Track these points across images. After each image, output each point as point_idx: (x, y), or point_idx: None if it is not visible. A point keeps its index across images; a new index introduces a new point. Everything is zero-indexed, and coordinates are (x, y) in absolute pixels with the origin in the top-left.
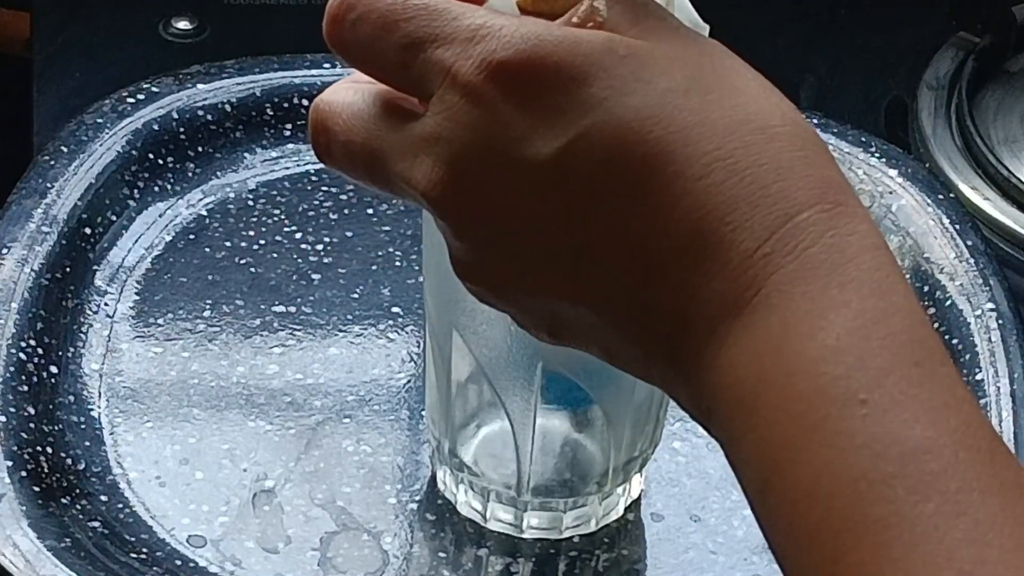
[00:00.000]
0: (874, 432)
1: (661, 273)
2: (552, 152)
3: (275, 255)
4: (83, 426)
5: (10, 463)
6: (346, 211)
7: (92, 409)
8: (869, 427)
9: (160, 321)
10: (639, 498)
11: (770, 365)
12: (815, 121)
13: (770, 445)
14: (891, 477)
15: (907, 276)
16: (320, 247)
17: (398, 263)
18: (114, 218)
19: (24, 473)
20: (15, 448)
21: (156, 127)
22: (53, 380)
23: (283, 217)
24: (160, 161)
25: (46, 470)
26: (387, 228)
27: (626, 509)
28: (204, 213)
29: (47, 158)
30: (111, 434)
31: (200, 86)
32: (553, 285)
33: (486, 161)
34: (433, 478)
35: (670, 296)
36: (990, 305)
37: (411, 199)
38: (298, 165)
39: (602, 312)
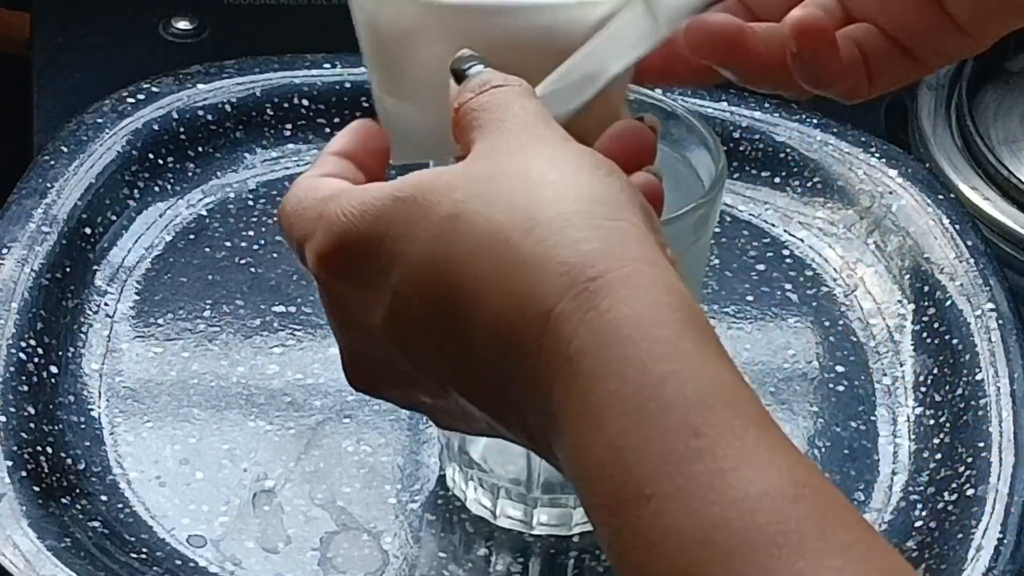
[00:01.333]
0: (663, 524)
1: (496, 375)
2: (384, 314)
3: (275, 255)
4: (83, 426)
5: (10, 463)
6: None
7: (92, 409)
8: (659, 521)
9: (160, 321)
10: None
11: (577, 475)
12: (815, 121)
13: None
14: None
15: (907, 276)
16: None
17: None
18: (114, 218)
19: (24, 473)
20: (15, 448)
21: (156, 127)
22: (53, 380)
23: None
24: (160, 161)
25: (46, 470)
26: None
27: None
28: (204, 213)
29: (47, 158)
30: (111, 434)
31: (200, 86)
32: (422, 383)
33: (345, 332)
34: (435, 477)
35: (512, 388)
36: (990, 305)
37: None
38: (298, 165)
39: (469, 399)
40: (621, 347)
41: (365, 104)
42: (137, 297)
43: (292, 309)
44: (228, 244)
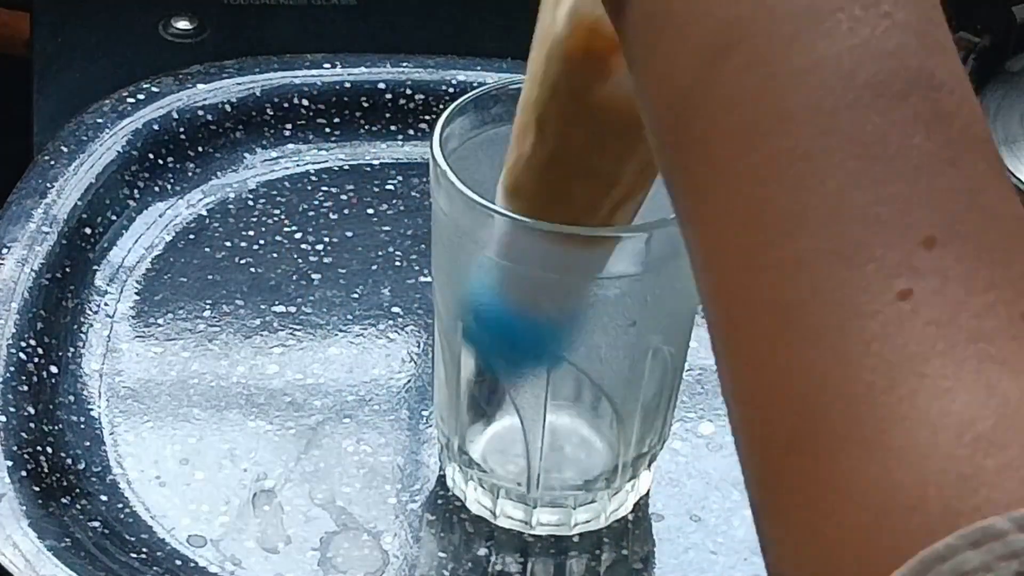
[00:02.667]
0: (885, 44)
1: None
2: None
3: (275, 255)
4: (83, 426)
5: (10, 463)
6: (346, 211)
7: (92, 409)
8: (886, 36)
9: (160, 321)
10: (648, 494)
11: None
12: None
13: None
14: (896, 95)
15: None
16: (320, 247)
17: (398, 263)
18: (114, 218)
19: (24, 473)
20: (15, 448)
21: (156, 127)
22: (53, 380)
23: (283, 217)
24: (160, 161)
25: (46, 470)
26: (387, 228)
27: (635, 505)
28: (204, 213)
29: (47, 158)
30: (111, 434)
31: (200, 86)
32: None
33: None
34: (434, 477)
35: None
36: None
37: None
38: (298, 165)
39: None
40: None
41: (365, 104)
42: (137, 297)
43: (292, 309)
44: (228, 244)
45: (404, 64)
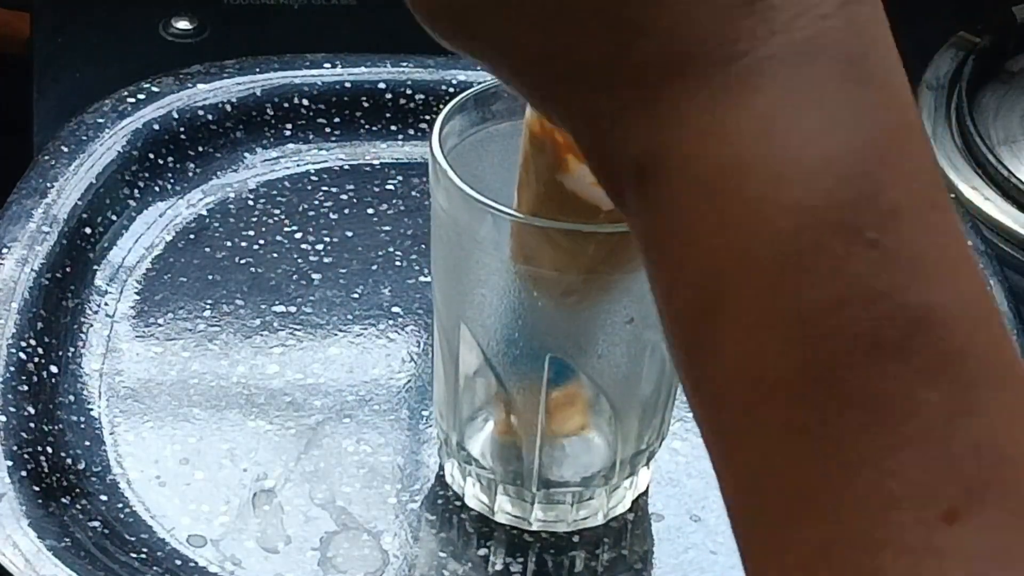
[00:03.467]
0: (875, 282)
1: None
2: None
3: (275, 255)
4: (83, 426)
5: (10, 463)
6: (346, 211)
7: (92, 409)
8: (874, 272)
9: (160, 321)
10: (646, 491)
11: (744, 157)
12: None
13: (719, 254)
14: (895, 346)
15: None
16: (320, 247)
17: (398, 263)
18: (114, 218)
19: (24, 473)
20: (15, 448)
21: (156, 127)
22: (53, 380)
23: (283, 217)
24: (160, 161)
25: (46, 470)
26: (387, 228)
27: (633, 503)
28: (204, 213)
29: (47, 158)
30: (111, 434)
31: (200, 86)
32: None
33: None
34: (434, 477)
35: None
36: None
37: None
38: (298, 165)
39: (566, 8)
40: (877, 59)
41: (365, 104)
42: (137, 297)
43: (292, 309)
44: (228, 244)
45: (404, 64)
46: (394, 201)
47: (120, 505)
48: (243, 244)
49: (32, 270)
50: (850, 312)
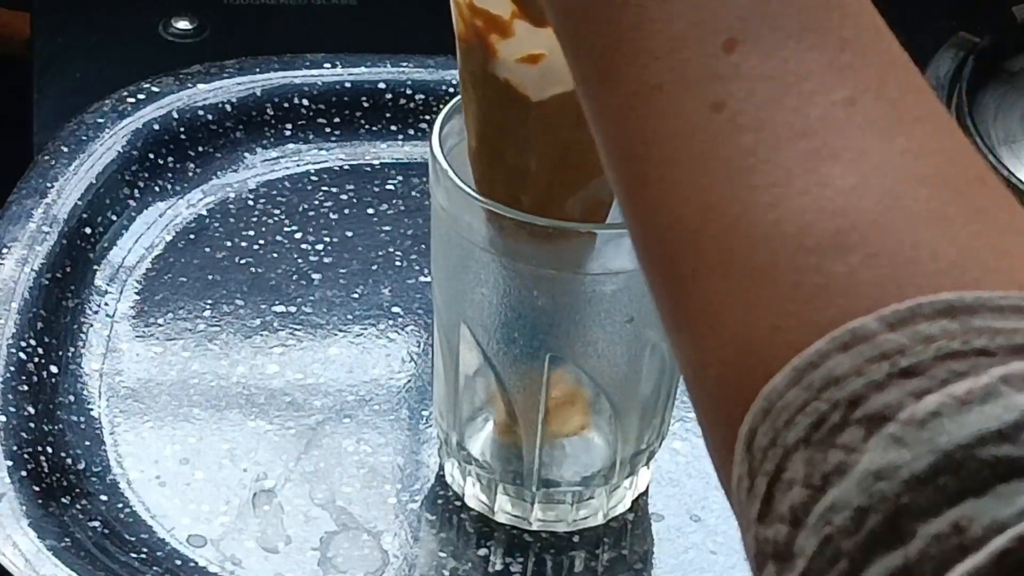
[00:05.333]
0: None
1: None
2: None
3: (275, 255)
4: (83, 426)
5: (10, 463)
6: (346, 211)
7: (92, 409)
8: None
9: (160, 321)
10: (646, 491)
11: None
12: None
13: None
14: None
15: None
16: (320, 247)
17: (398, 263)
18: (114, 218)
19: (24, 473)
20: (15, 448)
21: (156, 127)
22: (53, 380)
23: (283, 217)
24: (160, 161)
25: (46, 470)
26: (387, 228)
27: (633, 503)
28: (204, 213)
29: (47, 158)
30: (111, 434)
31: (200, 86)
32: None
33: None
34: (434, 477)
35: None
36: None
37: None
38: (298, 165)
39: None
40: None
41: (365, 104)
42: (137, 297)
43: (292, 309)
44: (228, 244)
45: (404, 64)
46: (394, 201)
47: (120, 505)
48: (243, 244)
49: (32, 270)
50: None
